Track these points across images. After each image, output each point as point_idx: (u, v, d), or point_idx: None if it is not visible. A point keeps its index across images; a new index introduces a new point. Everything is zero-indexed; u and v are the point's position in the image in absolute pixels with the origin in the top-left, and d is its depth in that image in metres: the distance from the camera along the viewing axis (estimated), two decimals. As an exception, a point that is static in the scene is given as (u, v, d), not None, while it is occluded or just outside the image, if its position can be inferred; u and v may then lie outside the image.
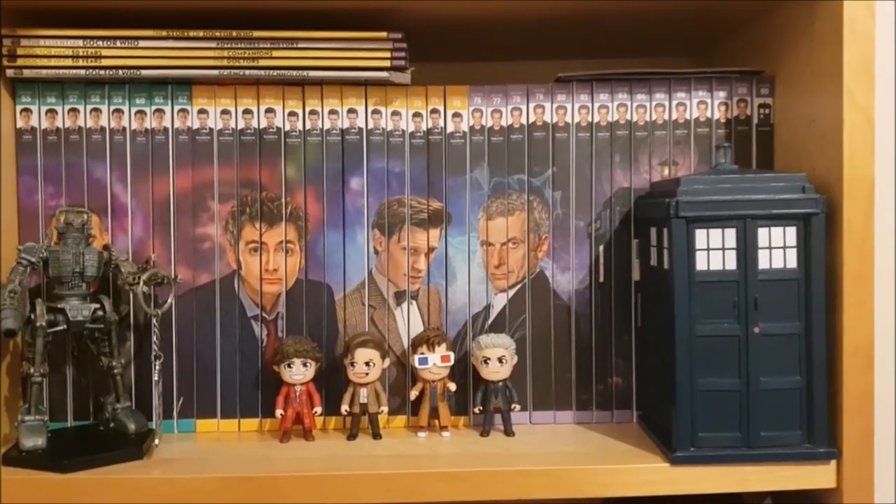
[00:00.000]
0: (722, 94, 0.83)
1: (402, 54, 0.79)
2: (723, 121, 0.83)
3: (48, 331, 0.75)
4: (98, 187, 0.81)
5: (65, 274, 0.76)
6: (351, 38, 0.78)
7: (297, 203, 0.82)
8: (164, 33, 0.78)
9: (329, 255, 0.83)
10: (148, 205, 0.81)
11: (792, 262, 0.71)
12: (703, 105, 0.83)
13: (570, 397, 0.84)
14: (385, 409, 0.80)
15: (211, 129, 0.81)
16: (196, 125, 0.81)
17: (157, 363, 0.78)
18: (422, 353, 0.79)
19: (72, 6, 0.76)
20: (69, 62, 0.77)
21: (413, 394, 0.81)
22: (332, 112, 0.82)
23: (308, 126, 0.82)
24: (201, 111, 0.81)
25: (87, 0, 0.75)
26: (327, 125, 0.82)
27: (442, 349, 0.79)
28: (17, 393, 0.80)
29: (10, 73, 0.78)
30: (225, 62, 0.78)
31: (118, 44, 0.78)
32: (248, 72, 0.78)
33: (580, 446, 0.77)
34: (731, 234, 0.71)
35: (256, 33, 0.78)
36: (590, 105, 0.83)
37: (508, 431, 0.80)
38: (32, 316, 0.74)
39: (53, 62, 0.77)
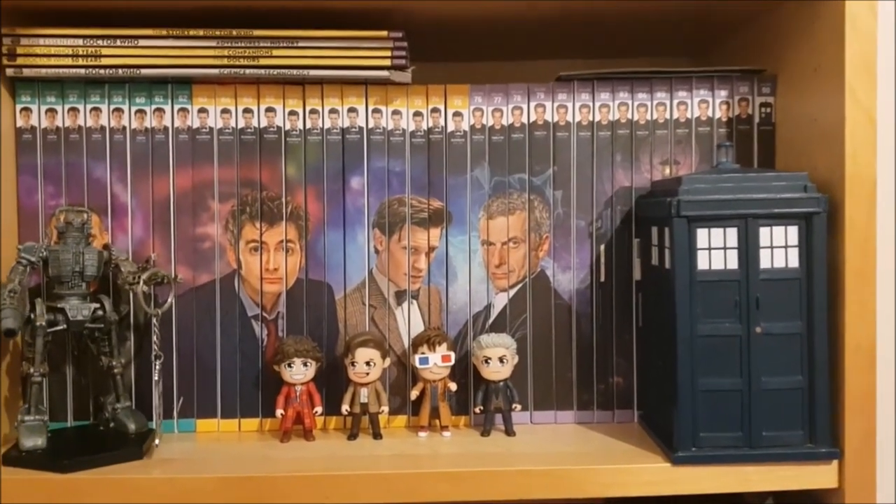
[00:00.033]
0: (723, 93, 0.83)
1: (403, 53, 0.79)
2: (724, 120, 0.83)
3: (48, 330, 0.75)
4: (98, 187, 0.81)
5: (65, 273, 0.76)
6: (351, 38, 0.78)
7: (297, 202, 0.82)
8: (164, 32, 0.77)
9: (329, 254, 0.82)
10: (148, 204, 0.81)
11: (793, 262, 0.71)
12: (705, 104, 0.83)
13: (571, 397, 0.84)
14: (385, 408, 0.80)
15: (211, 129, 0.81)
16: (196, 124, 0.81)
17: (157, 363, 0.78)
18: (422, 353, 0.79)
19: (72, 6, 0.76)
20: (69, 61, 0.77)
21: (414, 394, 0.81)
22: (332, 111, 0.82)
23: (308, 125, 0.82)
24: (201, 110, 0.81)
25: (87, 0, 0.75)
26: (328, 124, 0.82)
27: (443, 349, 0.79)
28: (17, 393, 0.80)
29: (9, 72, 0.78)
30: (225, 61, 0.78)
31: (118, 43, 0.77)
32: (248, 71, 0.78)
33: (581, 446, 0.77)
34: (732, 234, 0.71)
35: (257, 32, 0.78)
36: (591, 104, 0.83)
37: (509, 431, 0.80)
38: (32, 315, 0.74)
39: (53, 61, 0.77)
